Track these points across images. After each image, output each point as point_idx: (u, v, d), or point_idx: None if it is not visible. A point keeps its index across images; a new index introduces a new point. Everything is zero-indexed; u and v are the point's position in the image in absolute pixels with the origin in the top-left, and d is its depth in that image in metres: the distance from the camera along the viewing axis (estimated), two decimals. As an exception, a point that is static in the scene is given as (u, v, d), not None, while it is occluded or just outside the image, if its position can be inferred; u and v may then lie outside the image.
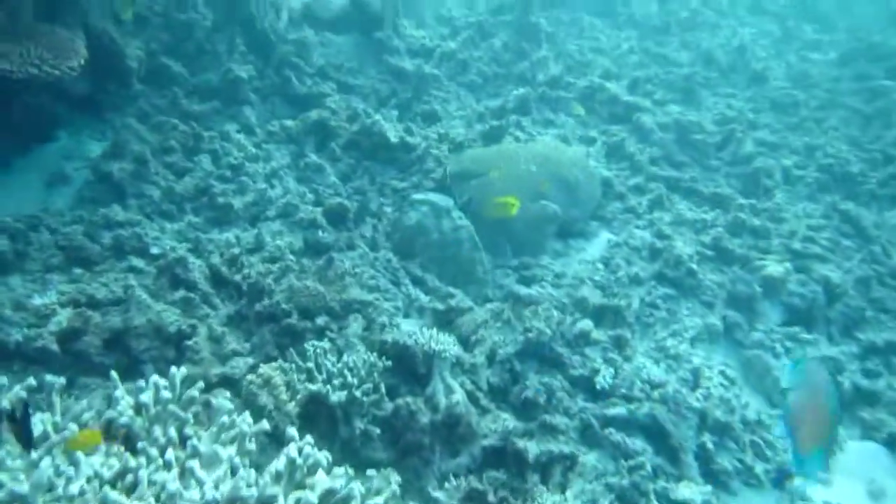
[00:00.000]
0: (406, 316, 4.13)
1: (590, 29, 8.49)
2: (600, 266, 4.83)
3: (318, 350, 3.11)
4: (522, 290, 4.40)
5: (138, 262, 3.62)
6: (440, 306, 4.09)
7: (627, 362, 3.84)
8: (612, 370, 3.76)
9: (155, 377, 2.37)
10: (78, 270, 3.39)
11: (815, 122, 7.06)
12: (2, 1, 3.31)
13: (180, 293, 3.31)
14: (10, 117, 4.21)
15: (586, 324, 4.06)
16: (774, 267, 4.68)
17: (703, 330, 4.43)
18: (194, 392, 2.40)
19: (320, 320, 3.44)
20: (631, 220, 5.30)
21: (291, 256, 4.04)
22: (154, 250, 3.75)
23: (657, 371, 3.87)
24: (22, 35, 3.17)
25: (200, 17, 5.92)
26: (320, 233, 4.42)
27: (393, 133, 5.28)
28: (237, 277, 3.60)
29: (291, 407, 2.83)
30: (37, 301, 3.01)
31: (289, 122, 5.44)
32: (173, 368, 2.44)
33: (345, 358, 3.09)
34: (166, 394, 2.31)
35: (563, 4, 8.76)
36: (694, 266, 4.66)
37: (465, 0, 8.53)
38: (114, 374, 2.38)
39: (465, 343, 3.74)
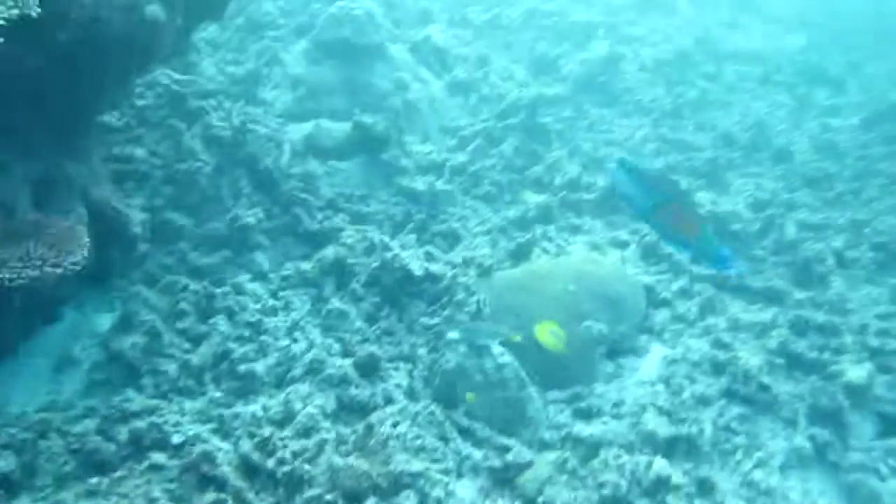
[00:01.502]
0: (459, 476, 3.86)
1: (599, 121, 8.61)
2: (660, 387, 4.58)
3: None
4: (583, 431, 4.13)
5: (159, 458, 3.40)
6: (497, 463, 3.83)
7: (719, 511, 3.52)
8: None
9: None
10: (94, 480, 3.17)
11: (852, 195, 6.98)
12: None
13: (210, 496, 3.07)
14: (11, 302, 4.12)
15: (662, 467, 3.77)
16: (855, 371, 4.42)
17: (791, 454, 4.12)
18: None
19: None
20: (683, 330, 5.10)
21: (326, 424, 3.82)
22: (176, 439, 3.55)
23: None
24: (19, 233, 3.11)
25: (202, 163, 5.98)
26: (353, 389, 4.22)
27: (416, 265, 5.18)
28: (270, 464, 3.36)
29: None
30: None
31: (304, 265, 5.37)
32: None
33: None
34: None
35: (568, 100, 8.93)
36: (765, 379, 4.41)
37: (469, 107, 8.70)
38: None
39: (533, 508, 3.46)
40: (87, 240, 3.30)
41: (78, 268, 3.08)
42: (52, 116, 4.05)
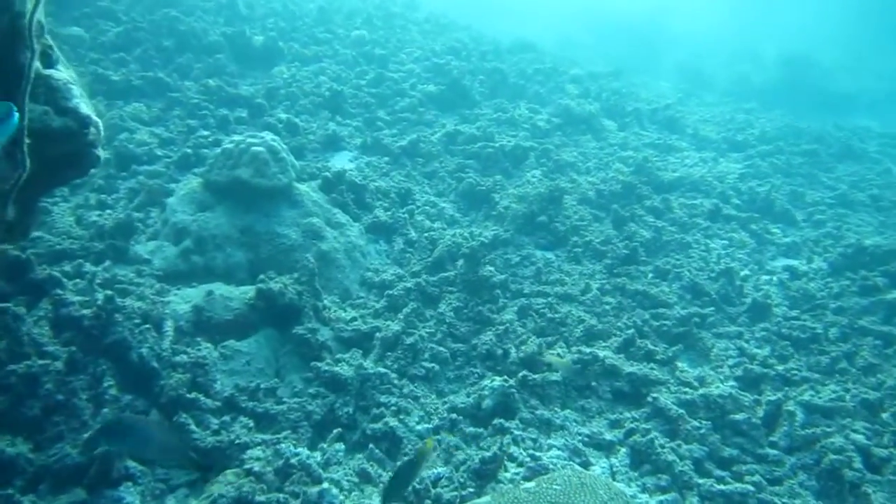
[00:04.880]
0: None
1: (546, 269, 8.14)
2: None
3: None
4: None
5: None
6: None
7: None
8: None
9: None
10: None
11: (847, 360, 6.72)
12: None
13: None
14: None
15: None
16: None
17: None
18: None
19: None
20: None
21: None
22: None
23: None
24: None
25: (48, 360, 4.84)
26: None
27: (354, 505, 4.20)
28: None
29: None
30: None
31: (194, 513, 4.25)
32: None
33: None
34: None
35: (508, 243, 8.45)
36: None
37: (394, 254, 8.02)
38: None
39: None
40: None
41: None
42: None
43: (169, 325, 5.69)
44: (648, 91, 19.00)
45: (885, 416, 5.71)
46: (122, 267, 6.47)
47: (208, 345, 5.72)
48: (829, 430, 5.48)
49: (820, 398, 5.87)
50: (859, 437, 5.38)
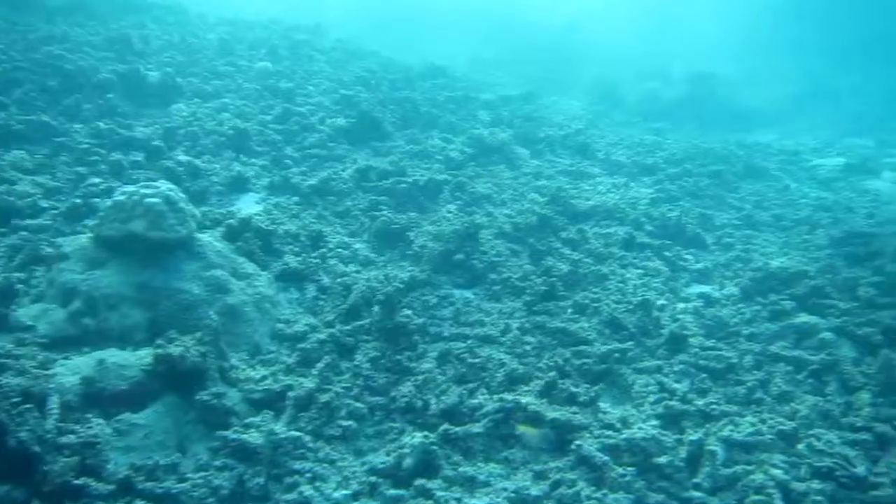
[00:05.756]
0: None
1: (465, 309, 8.04)
2: None
3: None
4: None
5: None
6: None
7: None
8: None
9: None
10: None
11: (762, 389, 6.86)
12: None
13: None
14: None
15: None
16: None
17: None
18: None
19: None
20: None
21: None
22: None
23: None
24: None
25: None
26: None
27: None
28: None
29: None
30: None
31: None
32: None
33: None
34: None
35: (425, 284, 8.31)
36: None
37: (307, 302, 7.73)
38: None
39: None
40: None
41: None
42: None
43: (54, 402, 5.22)
44: (560, 113, 19.38)
45: (800, 447, 5.83)
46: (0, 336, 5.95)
47: (100, 420, 5.28)
48: (749, 467, 5.53)
49: (739, 433, 5.93)
50: (778, 473, 5.45)
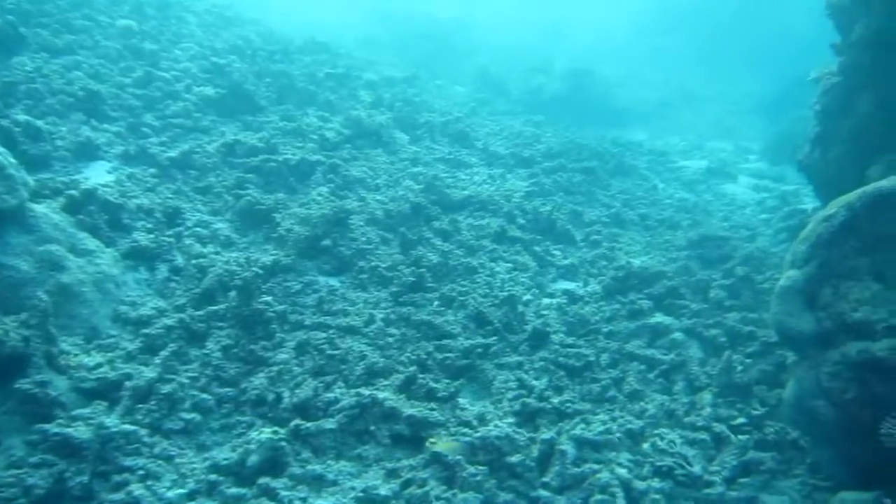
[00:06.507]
0: None
1: (329, 297, 7.79)
2: None
3: None
4: None
5: None
6: None
7: None
8: None
9: None
10: None
11: (616, 387, 7.08)
12: None
13: None
14: None
15: None
16: None
17: None
18: None
19: None
20: None
21: None
22: None
23: None
24: None
25: None
26: None
27: None
28: None
29: None
30: None
31: None
32: None
33: None
34: None
35: (289, 269, 7.98)
36: None
37: (157, 284, 7.23)
38: None
39: None
40: None
41: None
42: None
43: None
44: (444, 98, 19.29)
45: (645, 445, 6.04)
46: None
47: None
48: (596, 466, 5.67)
49: (590, 431, 6.07)
50: (623, 472, 5.62)
